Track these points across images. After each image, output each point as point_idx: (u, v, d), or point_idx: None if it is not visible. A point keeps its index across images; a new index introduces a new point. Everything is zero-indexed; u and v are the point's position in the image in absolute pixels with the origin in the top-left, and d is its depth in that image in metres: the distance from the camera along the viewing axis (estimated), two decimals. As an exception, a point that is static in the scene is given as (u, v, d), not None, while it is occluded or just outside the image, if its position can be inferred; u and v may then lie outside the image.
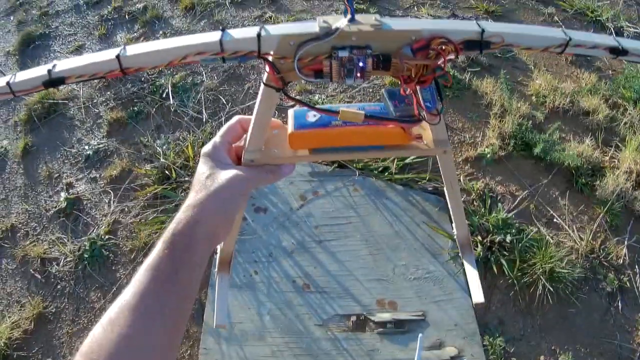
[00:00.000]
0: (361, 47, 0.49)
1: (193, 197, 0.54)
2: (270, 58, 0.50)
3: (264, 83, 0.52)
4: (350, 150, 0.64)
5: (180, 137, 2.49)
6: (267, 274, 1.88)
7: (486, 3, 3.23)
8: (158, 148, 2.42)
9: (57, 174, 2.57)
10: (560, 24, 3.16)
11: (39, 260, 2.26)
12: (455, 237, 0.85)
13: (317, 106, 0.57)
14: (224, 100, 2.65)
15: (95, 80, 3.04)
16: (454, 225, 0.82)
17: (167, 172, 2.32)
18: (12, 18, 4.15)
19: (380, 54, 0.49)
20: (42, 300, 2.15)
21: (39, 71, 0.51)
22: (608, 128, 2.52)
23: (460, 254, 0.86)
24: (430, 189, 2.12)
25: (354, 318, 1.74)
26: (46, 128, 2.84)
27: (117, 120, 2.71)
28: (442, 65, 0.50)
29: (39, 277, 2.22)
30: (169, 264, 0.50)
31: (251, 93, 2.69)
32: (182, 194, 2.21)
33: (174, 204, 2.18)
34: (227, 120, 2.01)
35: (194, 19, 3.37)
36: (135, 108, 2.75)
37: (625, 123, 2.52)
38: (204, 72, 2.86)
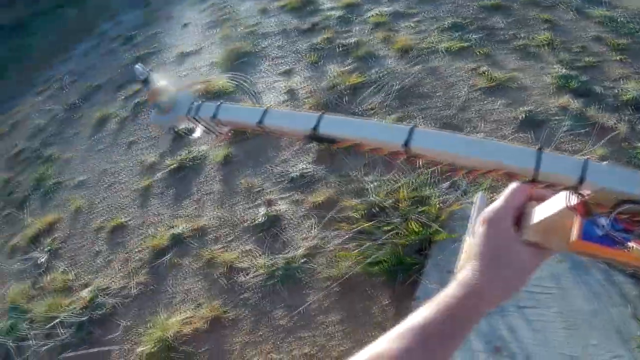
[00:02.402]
0: None
1: (483, 271, 0.72)
2: (583, 197, 0.60)
3: (567, 206, 0.64)
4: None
5: (392, 178, 3.27)
6: (463, 330, 2.50)
7: None
8: (368, 184, 3.23)
9: (258, 189, 3.52)
10: None
11: (227, 266, 3.12)
12: None
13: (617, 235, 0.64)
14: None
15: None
16: None
17: (374, 209, 3.09)
18: (217, 31, 5.59)
19: None
20: (221, 305, 2.96)
21: (304, 122, 0.73)
22: None
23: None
24: (630, 271, 2.60)
25: None
26: (251, 142, 3.88)
27: (326, 149, 3.63)
28: None
29: (224, 282, 3.07)
30: (444, 331, 0.67)
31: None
32: (389, 234, 2.94)
33: (378, 242, 2.91)
34: (442, 169, 2.78)
35: (408, 62, 4.31)
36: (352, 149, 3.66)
37: None
38: (417, 118, 3.70)
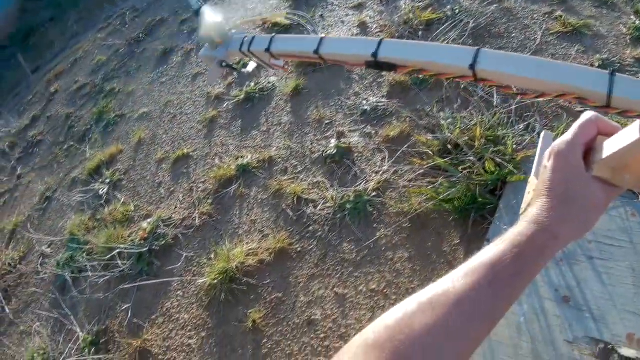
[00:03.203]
0: None
1: (553, 207, 0.73)
2: None
3: None
4: None
5: (467, 115, 3.26)
6: (532, 276, 2.52)
7: None
8: (442, 121, 3.22)
9: (329, 121, 3.59)
10: None
11: (295, 198, 3.22)
12: None
13: None
14: (515, 89, 3.38)
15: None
16: None
17: (448, 146, 3.09)
18: (286, -38, 5.61)
19: None
20: (288, 237, 3.08)
21: (363, 48, 0.75)
22: None
23: None
24: None
25: (601, 345, 2.25)
26: (321, 75, 3.93)
27: (399, 84, 3.65)
28: None
29: (291, 214, 3.17)
30: (512, 268, 0.68)
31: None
32: (464, 172, 2.95)
33: (452, 180, 2.92)
34: (517, 110, 2.78)
35: (483, 1, 4.24)
36: (421, 76, 3.65)
37: None
38: None
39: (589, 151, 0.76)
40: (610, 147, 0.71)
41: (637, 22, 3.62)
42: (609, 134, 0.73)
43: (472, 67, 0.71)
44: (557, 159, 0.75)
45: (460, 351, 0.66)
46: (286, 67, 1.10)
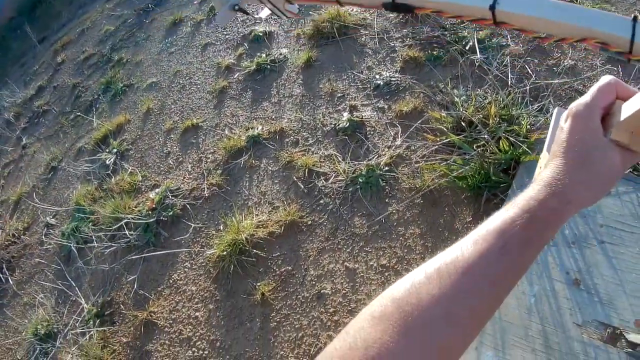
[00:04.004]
0: None
1: (568, 170, 0.70)
2: None
3: None
4: None
5: (482, 93, 3.21)
6: (544, 257, 2.49)
7: None
8: (455, 97, 3.17)
9: (342, 94, 3.53)
10: None
11: (306, 170, 3.18)
12: None
13: None
14: (529, 70, 3.33)
15: (393, 14, 4.01)
16: None
17: (462, 123, 3.05)
18: None
19: None
20: (298, 209, 3.04)
21: None
22: None
23: None
24: None
25: (610, 330, 2.26)
26: (333, 48, 3.87)
27: (413, 59, 3.58)
28: None
29: (302, 186, 3.13)
30: (524, 235, 0.66)
31: (557, 71, 3.31)
32: (478, 150, 2.91)
33: (466, 157, 2.88)
34: (531, 90, 2.74)
35: None
36: (435, 52, 3.59)
37: None
38: (508, 36, 3.60)
39: (607, 116, 0.73)
40: (628, 109, 0.68)
41: (653, 8, 3.57)
42: (627, 99, 0.70)
43: (492, 7, 0.68)
44: (574, 120, 0.72)
45: (471, 321, 0.65)
46: (299, 14, 1.06)
